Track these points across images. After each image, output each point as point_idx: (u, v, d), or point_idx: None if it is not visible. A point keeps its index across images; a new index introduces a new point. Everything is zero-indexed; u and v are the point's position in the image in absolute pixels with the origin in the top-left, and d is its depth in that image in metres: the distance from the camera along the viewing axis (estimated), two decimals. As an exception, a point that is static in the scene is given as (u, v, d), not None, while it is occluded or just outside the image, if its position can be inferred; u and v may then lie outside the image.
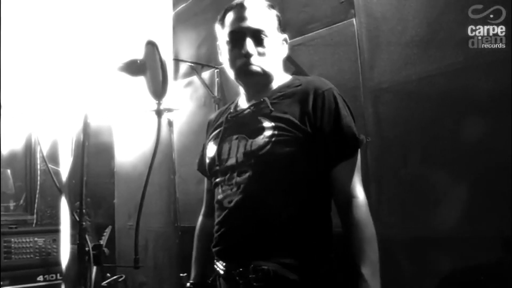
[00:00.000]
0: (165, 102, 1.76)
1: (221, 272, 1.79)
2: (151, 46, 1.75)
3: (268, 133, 1.71)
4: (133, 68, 1.78)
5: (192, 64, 3.98)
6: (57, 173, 3.13)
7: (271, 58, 1.83)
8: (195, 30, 4.17)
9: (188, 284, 2.09)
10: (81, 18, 3.60)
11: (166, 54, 2.03)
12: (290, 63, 3.04)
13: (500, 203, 2.14)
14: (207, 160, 1.97)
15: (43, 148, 2.67)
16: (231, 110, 1.97)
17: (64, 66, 3.31)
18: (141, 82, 1.84)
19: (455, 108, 2.31)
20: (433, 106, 2.39)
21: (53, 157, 3.50)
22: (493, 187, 2.16)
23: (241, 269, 1.67)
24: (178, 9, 4.30)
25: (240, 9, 1.82)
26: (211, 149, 1.94)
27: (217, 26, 1.94)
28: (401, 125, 2.51)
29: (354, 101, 2.66)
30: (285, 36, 1.93)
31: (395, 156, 2.53)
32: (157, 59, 1.70)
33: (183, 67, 4.25)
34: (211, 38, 4.01)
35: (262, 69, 1.81)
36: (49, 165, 2.59)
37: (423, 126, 2.42)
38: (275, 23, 1.87)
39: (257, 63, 1.79)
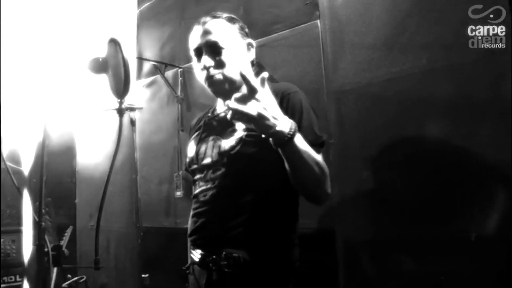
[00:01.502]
0: (127, 101, 1.75)
1: (196, 259, 1.96)
2: (114, 44, 1.74)
3: (239, 134, 1.92)
4: (95, 66, 1.76)
5: (156, 63, 3.95)
6: (19, 173, 3.07)
7: (232, 65, 1.97)
8: (159, 29, 4.14)
9: (184, 268, 2.19)
10: (42, 14, 3.54)
11: (129, 53, 2.02)
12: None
13: (462, 204, 2.17)
14: (187, 160, 2.19)
15: (2, 147, 2.61)
16: (209, 114, 2.21)
17: (24, 63, 3.25)
18: (103, 80, 1.82)
19: (417, 110, 2.33)
20: (395, 109, 2.41)
21: (15, 156, 3.43)
22: (455, 189, 2.19)
23: (214, 257, 1.86)
24: (142, 7, 4.25)
25: (200, 27, 2.01)
26: (191, 150, 2.15)
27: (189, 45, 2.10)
28: (363, 127, 2.53)
29: (317, 102, 2.68)
30: (249, 41, 2.09)
31: (358, 158, 2.54)
32: (119, 57, 1.69)
33: (147, 66, 4.21)
34: (175, 38, 4.02)
35: (224, 77, 1.97)
36: (9, 164, 2.54)
37: (386, 129, 2.44)
38: (235, 32, 2.04)
39: (217, 73, 1.96)
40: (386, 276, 2.41)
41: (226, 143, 1.95)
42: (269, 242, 1.87)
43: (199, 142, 2.10)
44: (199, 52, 2.00)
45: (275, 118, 1.59)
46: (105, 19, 4.08)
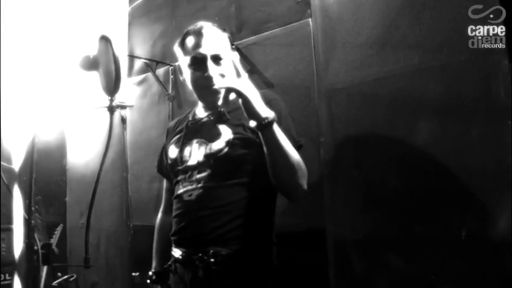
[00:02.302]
0: (118, 99, 1.74)
1: (180, 258, 2.03)
2: (105, 41, 1.73)
3: (225, 137, 2.01)
4: (85, 63, 1.75)
5: (147, 61, 3.93)
6: (9, 171, 3.05)
7: (228, 76, 2.04)
8: (150, 27, 4.13)
9: (150, 273, 2.30)
10: (32, 11, 3.52)
11: (120, 50, 2.02)
12: (246, 63, 3.04)
13: (453, 203, 2.18)
14: (169, 161, 2.26)
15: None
16: (190, 119, 2.27)
17: (14, 61, 3.23)
18: (93, 78, 1.82)
19: (409, 109, 2.34)
20: (387, 108, 2.41)
21: (5, 154, 3.41)
22: (446, 188, 2.20)
23: (200, 255, 1.91)
24: (133, 5, 4.24)
25: (198, 36, 2.08)
26: (173, 152, 2.21)
27: (177, 49, 2.20)
28: (354, 126, 2.53)
29: (308, 101, 2.68)
30: (235, 53, 2.13)
31: (348, 156, 2.54)
32: (110, 54, 1.68)
33: (138, 63, 4.20)
34: (166, 35, 4.01)
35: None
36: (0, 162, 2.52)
37: (377, 127, 2.45)
38: (228, 45, 2.15)
39: (217, 83, 1.94)
40: (376, 275, 2.42)
41: (214, 146, 2.03)
42: (253, 241, 1.97)
43: (182, 144, 2.17)
44: (198, 61, 2.07)
45: (259, 104, 1.75)
46: (96, 16, 4.07)
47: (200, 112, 2.27)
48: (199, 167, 2.05)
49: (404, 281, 2.30)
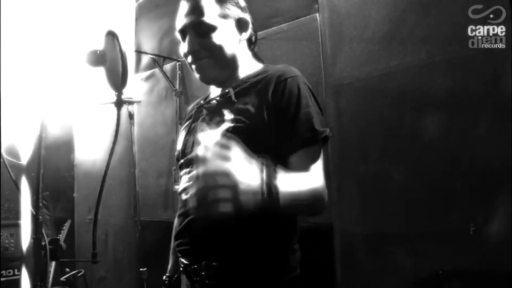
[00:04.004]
0: (125, 94, 1.73)
1: (181, 268, 1.72)
2: (111, 37, 1.72)
3: (225, 125, 1.63)
4: (92, 58, 1.74)
5: (154, 57, 3.93)
6: (18, 166, 3.06)
7: (222, 47, 1.70)
8: (157, 22, 4.13)
9: (164, 277, 2.00)
10: (40, 6, 3.52)
11: (127, 45, 2.00)
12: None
13: (460, 198, 2.17)
14: (175, 153, 1.89)
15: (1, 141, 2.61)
16: (202, 102, 1.89)
17: (22, 56, 3.24)
18: (101, 73, 1.81)
19: (415, 104, 2.33)
20: (394, 102, 2.41)
21: (13, 150, 3.42)
22: (453, 183, 2.19)
23: (195, 266, 1.62)
24: (140, 0, 4.24)
25: (184, 5, 1.74)
26: (179, 142, 1.87)
27: None
28: (362, 120, 2.52)
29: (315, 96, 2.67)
30: (240, 16, 1.76)
31: (356, 151, 2.54)
32: (117, 50, 1.67)
33: (145, 59, 4.20)
34: (174, 31, 4.00)
35: (214, 61, 1.71)
36: (8, 158, 2.53)
37: (384, 122, 2.44)
38: (223, 8, 1.73)
39: (205, 57, 1.70)
40: (383, 269, 2.41)
41: (213, 136, 1.63)
42: (257, 250, 1.59)
43: (188, 133, 1.83)
44: (183, 34, 1.75)
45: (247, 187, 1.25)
46: (103, 12, 4.08)
47: (214, 91, 1.88)
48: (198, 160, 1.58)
49: (411, 276, 2.30)
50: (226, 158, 1.22)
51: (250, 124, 1.59)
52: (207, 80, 1.79)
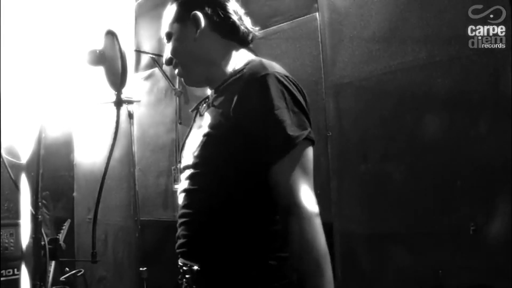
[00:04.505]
0: (125, 94, 1.73)
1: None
2: (111, 36, 1.72)
3: (203, 131, 1.53)
4: (92, 58, 1.74)
5: (154, 56, 3.93)
6: (17, 166, 3.06)
7: (181, 51, 1.65)
8: (157, 22, 4.09)
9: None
10: (39, 5, 3.52)
11: (127, 45, 2.01)
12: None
13: (460, 197, 2.17)
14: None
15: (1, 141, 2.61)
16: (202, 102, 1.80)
17: (22, 56, 3.23)
18: (100, 73, 1.81)
19: (416, 104, 2.33)
20: (394, 102, 2.41)
21: (13, 149, 3.42)
22: (453, 182, 2.19)
23: (182, 270, 1.56)
24: (140, 0, 4.24)
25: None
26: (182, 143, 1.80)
27: None
28: (362, 120, 2.52)
29: (315, 95, 2.67)
30: (192, 13, 1.62)
31: (356, 151, 2.54)
32: (116, 49, 1.67)
33: (145, 58, 4.19)
34: (173, 30, 4.00)
35: (185, 68, 1.67)
36: (7, 157, 2.53)
37: (384, 122, 2.44)
38: (178, 12, 1.67)
39: (177, 63, 1.67)
40: (383, 269, 2.41)
41: (196, 141, 1.57)
42: (239, 256, 1.48)
43: (187, 135, 1.76)
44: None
45: None
46: (103, 11, 4.07)
47: (209, 90, 1.75)
48: (187, 167, 1.59)
49: (411, 275, 2.30)
50: None
51: (221, 131, 1.49)
52: (190, 84, 1.76)
